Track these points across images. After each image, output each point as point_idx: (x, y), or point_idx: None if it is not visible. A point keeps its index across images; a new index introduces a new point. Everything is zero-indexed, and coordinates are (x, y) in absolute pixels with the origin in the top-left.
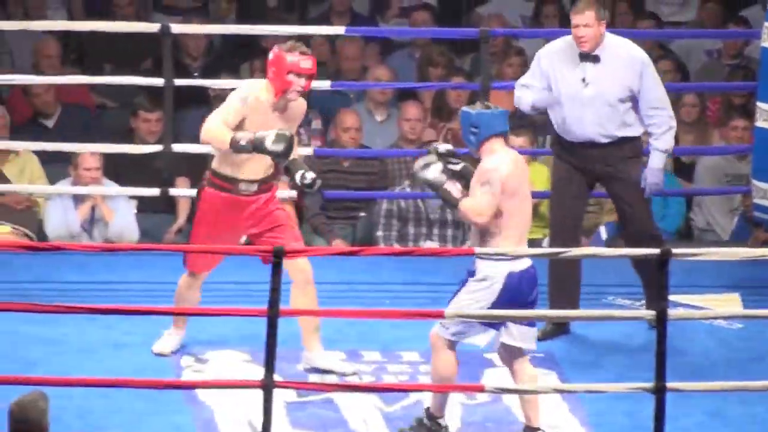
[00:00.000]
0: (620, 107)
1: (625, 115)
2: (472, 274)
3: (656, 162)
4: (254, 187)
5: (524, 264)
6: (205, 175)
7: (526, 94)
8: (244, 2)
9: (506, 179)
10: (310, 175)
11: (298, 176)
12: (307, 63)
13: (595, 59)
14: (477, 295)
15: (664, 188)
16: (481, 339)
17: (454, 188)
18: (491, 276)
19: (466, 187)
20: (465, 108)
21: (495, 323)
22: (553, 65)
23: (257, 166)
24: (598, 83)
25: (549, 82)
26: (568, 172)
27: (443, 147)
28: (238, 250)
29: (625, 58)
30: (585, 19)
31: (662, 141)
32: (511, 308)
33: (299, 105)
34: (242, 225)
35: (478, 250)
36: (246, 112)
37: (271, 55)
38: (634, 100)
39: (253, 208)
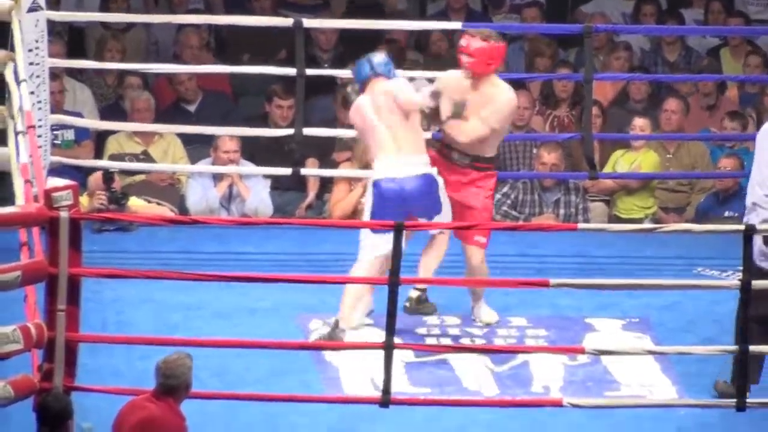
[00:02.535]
0: None
1: None
2: None
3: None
4: (466, 160)
5: (395, 174)
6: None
7: None
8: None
9: (353, 118)
10: None
11: None
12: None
13: None
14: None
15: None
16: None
17: None
18: (369, 187)
19: None
20: None
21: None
22: None
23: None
24: None
25: None
26: None
27: None
28: (365, 224)
29: None
30: None
31: None
32: (386, 211)
33: (491, 91)
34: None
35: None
36: None
37: None
38: None
39: (464, 179)
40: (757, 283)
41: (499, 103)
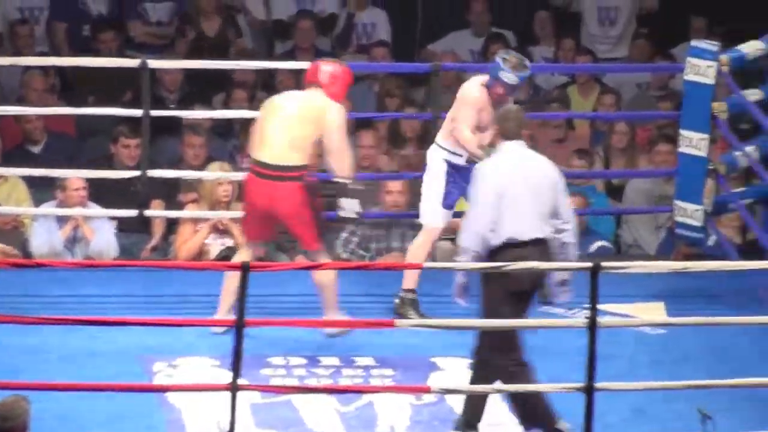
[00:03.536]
0: None
1: None
2: None
3: None
4: None
5: None
6: None
7: None
8: (195, 41)
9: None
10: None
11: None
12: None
13: None
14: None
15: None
16: None
17: None
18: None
19: None
20: None
21: None
22: None
23: None
24: None
25: None
26: None
27: None
28: (210, 266)
29: None
30: None
31: None
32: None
33: None
34: None
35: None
36: None
37: None
38: None
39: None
40: (604, 321)
41: None
